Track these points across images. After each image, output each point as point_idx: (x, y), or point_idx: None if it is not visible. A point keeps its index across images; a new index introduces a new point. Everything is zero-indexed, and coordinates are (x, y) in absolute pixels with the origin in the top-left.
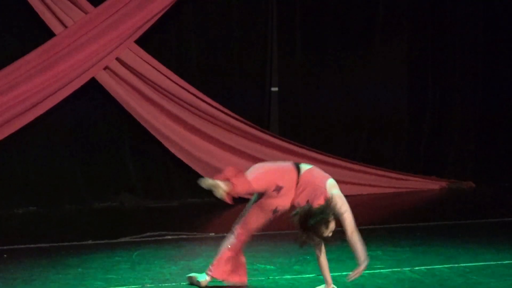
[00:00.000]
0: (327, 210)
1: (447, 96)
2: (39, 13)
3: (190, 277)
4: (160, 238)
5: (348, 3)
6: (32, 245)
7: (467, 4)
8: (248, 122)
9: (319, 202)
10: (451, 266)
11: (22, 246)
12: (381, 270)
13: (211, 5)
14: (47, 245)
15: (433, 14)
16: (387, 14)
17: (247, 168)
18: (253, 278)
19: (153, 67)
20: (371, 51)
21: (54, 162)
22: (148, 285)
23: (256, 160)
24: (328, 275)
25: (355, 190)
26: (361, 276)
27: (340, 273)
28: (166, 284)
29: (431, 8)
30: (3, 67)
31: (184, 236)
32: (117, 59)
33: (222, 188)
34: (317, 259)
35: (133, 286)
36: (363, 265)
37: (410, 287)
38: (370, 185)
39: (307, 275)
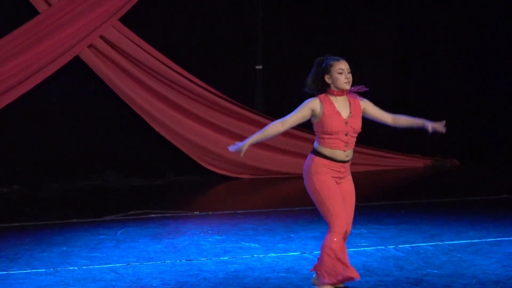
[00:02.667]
0: None
1: (432, 74)
2: None
3: None
4: (144, 216)
5: None
6: (16, 224)
7: None
8: (233, 100)
9: None
10: (436, 244)
11: (7, 224)
12: (366, 248)
13: None
14: (32, 223)
15: None
16: None
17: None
18: (238, 257)
19: (137, 45)
20: (357, 30)
21: (39, 140)
22: (133, 263)
23: (241, 138)
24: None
25: None
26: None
27: None
28: (151, 262)
29: None
30: None
31: (169, 215)
32: (101, 37)
33: None
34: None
35: (117, 264)
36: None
37: (395, 265)
38: (354, 163)
39: (292, 253)
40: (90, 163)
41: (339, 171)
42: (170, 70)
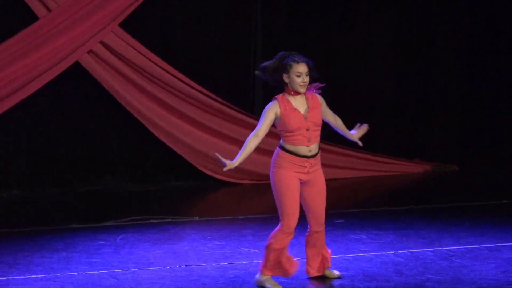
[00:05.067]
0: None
1: (431, 80)
2: None
3: None
4: (144, 221)
5: None
6: (16, 229)
7: None
8: (232, 105)
9: None
10: (435, 250)
11: (6, 230)
12: (365, 254)
13: None
14: (31, 228)
15: None
16: None
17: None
18: (237, 262)
19: (137, 50)
20: (355, 34)
21: (38, 145)
22: (132, 269)
23: (240, 143)
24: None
25: (338, 174)
26: (345, 259)
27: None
28: (150, 268)
29: None
30: None
31: (168, 220)
32: (101, 42)
33: None
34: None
35: (117, 270)
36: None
37: (394, 271)
38: (353, 169)
39: None
40: (89, 168)
41: (304, 166)
42: (169, 75)
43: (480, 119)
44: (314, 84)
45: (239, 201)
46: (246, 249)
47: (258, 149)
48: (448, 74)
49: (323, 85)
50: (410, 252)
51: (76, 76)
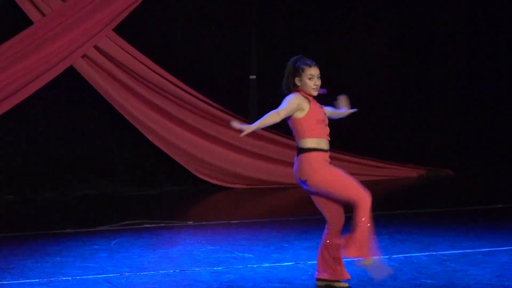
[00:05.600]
0: None
1: (427, 85)
2: (17, 1)
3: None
4: (139, 226)
5: None
6: (10, 234)
7: None
8: (227, 110)
9: None
10: (430, 254)
11: (0, 234)
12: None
13: None
14: (26, 233)
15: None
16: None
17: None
18: (231, 267)
19: (131, 55)
20: (352, 38)
21: (34, 149)
22: (127, 274)
23: (234, 148)
24: None
25: None
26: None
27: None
28: (145, 273)
29: None
30: None
31: (163, 225)
32: (95, 47)
33: None
34: None
35: (111, 275)
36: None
37: (389, 275)
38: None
39: (285, 263)
40: (84, 172)
41: (327, 161)
42: (164, 80)
43: (475, 123)
44: (320, 90)
45: (234, 206)
46: (241, 254)
47: (251, 154)
48: (443, 80)
49: (325, 90)
50: (405, 256)
51: (75, 80)
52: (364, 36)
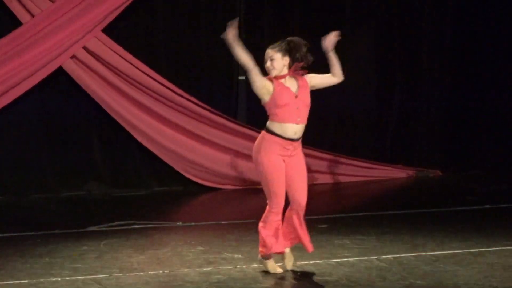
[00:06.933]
0: None
1: (415, 85)
2: (5, 2)
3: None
4: (127, 227)
5: None
6: None
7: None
8: (215, 111)
9: None
10: (418, 255)
11: None
12: (349, 259)
13: None
14: (14, 234)
15: (401, 6)
16: (355, 4)
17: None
18: (221, 268)
19: (120, 56)
20: (339, 40)
21: (21, 151)
22: (116, 274)
23: (223, 148)
24: None
25: (322, 179)
26: (329, 264)
27: (307, 262)
28: (134, 273)
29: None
30: None
31: (152, 225)
32: (84, 48)
33: None
34: None
35: (100, 275)
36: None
37: (378, 276)
38: (337, 174)
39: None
40: (73, 173)
41: (288, 149)
42: (153, 80)
43: (464, 124)
44: (297, 69)
45: (223, 207)
46: (230, 255)
47: (241, 155)
48: (431, 81)
49: (300, 64)
50: (394, 257)
51: (60, 82)
52: (351, 36)
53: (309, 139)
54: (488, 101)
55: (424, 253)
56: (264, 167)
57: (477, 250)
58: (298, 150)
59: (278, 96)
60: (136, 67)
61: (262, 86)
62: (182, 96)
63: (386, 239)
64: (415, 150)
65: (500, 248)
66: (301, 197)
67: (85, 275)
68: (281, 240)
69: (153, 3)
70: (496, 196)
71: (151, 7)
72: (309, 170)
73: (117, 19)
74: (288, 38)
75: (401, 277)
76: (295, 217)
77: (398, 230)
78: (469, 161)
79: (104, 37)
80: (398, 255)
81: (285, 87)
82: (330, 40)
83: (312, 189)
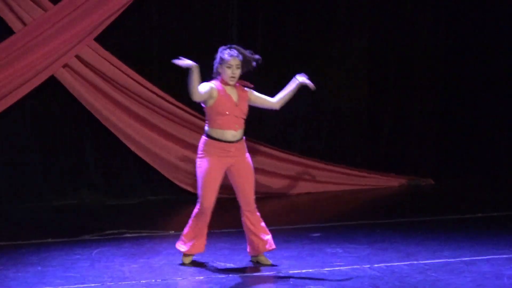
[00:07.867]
0: None
1: (407, 93)
2: None
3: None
4: (120, 236)
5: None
6: None
7: (428, 3)
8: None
9: None
10: (411, 263)
11: None
12: (341, 268)
13: (171, 2)
14: (6, 243)
15: (394, 11)
16: (348, 10)
17: None
18: (213, 276)
19: (113, 65)
20: (331, 47)
21: (14, 159)
22: (108, 283)
23: None
24: None
25: (314, 188)
26: (321, 273)
27: (300, 270)
28: (126, 282)
29: (392, 5)
30: None
31: (144, 234)
32: (77, 56)
33: None
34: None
35: (92, 284)
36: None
37: (370, 284)
38: (329, 183)
39: (267, 273)
40: (65, 182)
41: (229, 150)
42: (145, 89)
43: (456, 132)
44: (245, 82)
45: (215, 215)
46: (222, 263)
47: None
48: (424, 89)
49: (251, 86)
50: (386, 266)
51: (52, 90)
52: (343, 44)
53: (300, 147)
54: (480, 110)
55: (416, 262)
56: (199, 169)
57: (469, 258)
58: (242, 151)
59: (220, 103)
60: (129, 76)
61: (208, 90)
62: (174, 105)
63: (379, 247)
64: (408, 159)
65: (492, 256)
66: (248, 196)
67: (77, 284)
68: (200, 242)
69: (145, 12)
70: (488, 205)
71: (143, 16)
72: (301, 179)
73: (109, 28)
74: (246, 51)
75: (393, 286)
76: (247, 221)
77: (390, 239)
78: (461, 170)
79: (97, 46)
80: (390, 264)
81: (227, 94)
82: (304, 80)
83: (305, 198)
